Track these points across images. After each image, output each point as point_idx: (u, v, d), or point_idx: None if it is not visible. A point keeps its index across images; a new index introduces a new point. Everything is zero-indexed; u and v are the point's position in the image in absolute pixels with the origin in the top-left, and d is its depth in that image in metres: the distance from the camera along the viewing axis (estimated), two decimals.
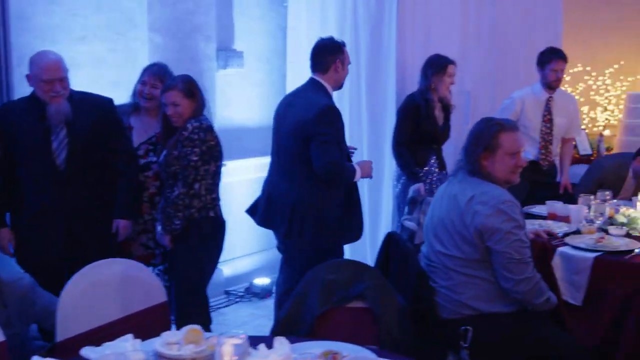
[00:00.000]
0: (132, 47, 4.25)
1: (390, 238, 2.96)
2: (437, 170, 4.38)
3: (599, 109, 7.51)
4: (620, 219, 3.58)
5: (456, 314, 2.80)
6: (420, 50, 4.58)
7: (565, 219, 3.69)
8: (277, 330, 2.46)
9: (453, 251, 2.79)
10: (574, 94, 7.41)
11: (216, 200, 3.52)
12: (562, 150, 4.94)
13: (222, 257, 4.85)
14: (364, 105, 4.66)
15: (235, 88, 4.90)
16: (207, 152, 3.39)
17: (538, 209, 4.05)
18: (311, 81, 3.68)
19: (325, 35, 4.66)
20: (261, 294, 4.95)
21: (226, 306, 4.81)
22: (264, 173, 5.07)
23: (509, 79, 5.58)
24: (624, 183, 4.34)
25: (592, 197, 3.71)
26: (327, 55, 3.60)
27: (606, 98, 7.47)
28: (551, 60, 4.65)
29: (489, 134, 2.80)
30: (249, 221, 5.09)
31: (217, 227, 3.55)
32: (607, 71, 7.46)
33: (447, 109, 4.49)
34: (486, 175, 2.80)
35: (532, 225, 3.60)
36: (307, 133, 3.42)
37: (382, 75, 4.55)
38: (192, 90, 3.42)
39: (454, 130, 4.70)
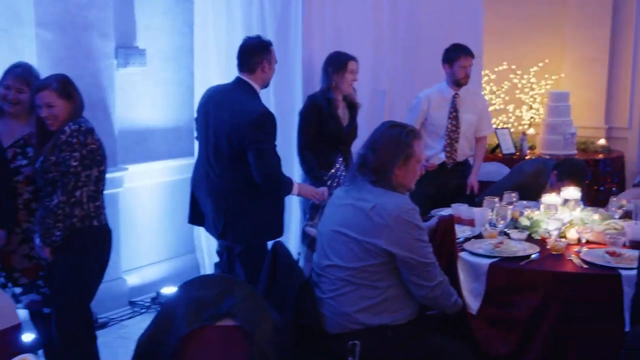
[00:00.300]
0: (18, 45, 3.96)
1: (276, 248, 2.79)
2: (344, 172, 4.23)
3: (524, 107, 7.51)
4: (524, 221, 3.48)
5: (344, 327, 2.65)
6: (330, 48, 4.41)
7: (470, 223, 3.58)
8: (137, 355, 2.25)
9: (348, 262, 2.64)
10: (499, 92, 7.40)
11: (100, 208, 3.28)
12: (474, 149, 4.85)
13: (126, 266, 4.65)
14: (272, 105, 4.46)
15: (138, 88, 4.64)
16: (87, 156, 3.15)
17: (446, 212, 3.93)
18: (238, 81, 3.68)
19: (232, 32, 4.53)
20: None
21: (130, 318, 4.56)
22: (172, 177, 4.89)
23: (425, 78, 5.48)
24: (543, 190, 4.28)
25: (496, 199, 3.61)
26: (255, 55, 3.64)
27: (531, 96, 7.47)
28: (459, 56, 4.56)
29: (406, 142, 2.67)
30: (156, 227, 4.89)
31: (101, 237, 3.31)
32: (532, 69, 7.46)
33: (352, 107, 4.33)
34: (394, 184, 2.67)
35: None
36: (243, 139, 3.46)
37: (290, 74, 4.36)
38: (68, 90, 3.17)
39: (367, 130, 4.55)
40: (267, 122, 3.51)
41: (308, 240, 3.46)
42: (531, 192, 4.09)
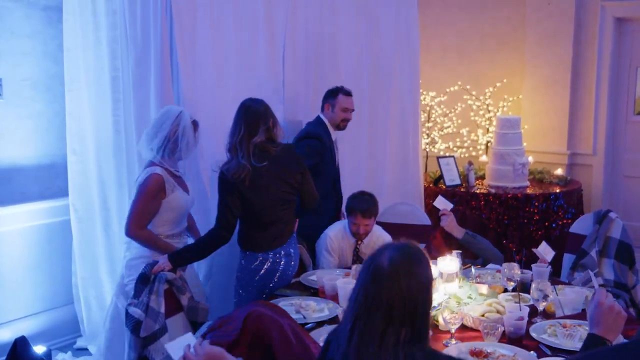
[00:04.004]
0: None
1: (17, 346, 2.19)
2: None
3: (480, 131, 6.90)
4: None
5: None
6: (209, 82, 3.88)
7: (335, 298, 2.98)
8: None
9: None
10: (451, 114, 6.78)
11: None
12: None
13: None
14: (134, 138, 3.87)
15: None
16: None
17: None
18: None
19: (99, 59, 3.99)
20: None
21: None
22: (45, 220, 4.33)
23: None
24: None
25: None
26: (325, 97, 4.34)
27: (488, 119, 6.87)
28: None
29: None
30: (25, 277, 4.32)
31: None
32: (487, 90, 6.85)
33: None
34: None
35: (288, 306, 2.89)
36: None
37: (145, 109, 3.77)
38: None
39: None
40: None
41: (132, 324, 2.87)
42: None
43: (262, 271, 3.23)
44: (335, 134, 4.36)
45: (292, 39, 4.48)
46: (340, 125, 4.34)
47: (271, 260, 3.24)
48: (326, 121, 4.30)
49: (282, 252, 3.27)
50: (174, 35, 3.67)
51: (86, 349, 4.29)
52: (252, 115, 3.18)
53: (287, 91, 4.48)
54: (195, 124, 3.36)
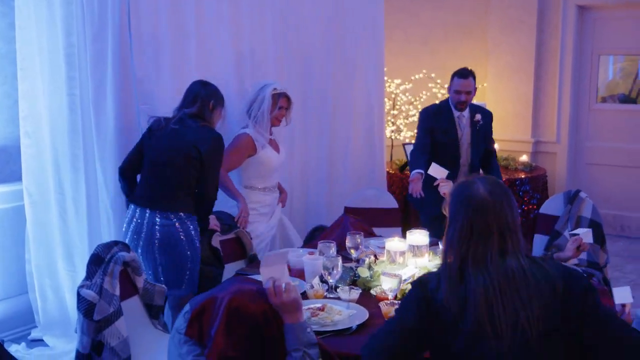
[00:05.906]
0: None
1: None
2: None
3: None
4: (364, 272, 2.80)
5: None
6: (166, 61, 3.75)
7: (301, 274, 2.89)
8: None
9: None
10: (416, 102, 6.75)
11: None
12: None
13: None
14: (92, 116, 3.71)
15: None
16: None
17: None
18: None
19: (53, 36, 3.81)
20: None
21: None
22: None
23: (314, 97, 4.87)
24: None
25: (332, 243, 2.92)
26: None
27: None
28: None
29: None
30: None
31: None
32: None
33: None
34: None
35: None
36: None
37: (102, 86, 3.63)
38: None
39: None
40: None
41: (85, 307, 2.69)
42: None
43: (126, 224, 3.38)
44: (458, 113, 4.53)
45: (255, 25, 4.37)
46: (457, 107, 4.49)
47: (138, 217, 3.33)
48: (450, 101, 4.55)
49: (147, 215, 3.31)
50: (131, 10, 3.53)
51: (41, 340, 4.10)
52: (191, 88, 3.43)
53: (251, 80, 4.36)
54: (277, 96, 3.84)
